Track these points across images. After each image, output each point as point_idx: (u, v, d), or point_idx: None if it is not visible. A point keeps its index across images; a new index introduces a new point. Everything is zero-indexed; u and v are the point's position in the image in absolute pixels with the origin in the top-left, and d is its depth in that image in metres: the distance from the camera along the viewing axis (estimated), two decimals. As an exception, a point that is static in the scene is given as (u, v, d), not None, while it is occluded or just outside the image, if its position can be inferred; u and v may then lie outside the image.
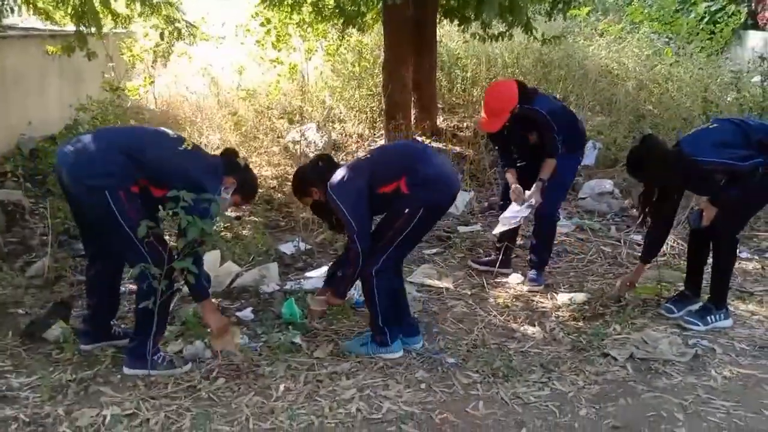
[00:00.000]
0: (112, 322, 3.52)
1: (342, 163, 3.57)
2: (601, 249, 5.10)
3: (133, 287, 4.11)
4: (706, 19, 11.46)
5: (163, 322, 3.26)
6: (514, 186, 4.34)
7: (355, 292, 3.97)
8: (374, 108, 7.87)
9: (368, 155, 3.63)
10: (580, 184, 6.34)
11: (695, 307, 3.93)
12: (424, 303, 4.16)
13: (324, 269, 4.53)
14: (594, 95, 8.10)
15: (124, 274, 3.63)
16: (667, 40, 9.90)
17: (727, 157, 3.52)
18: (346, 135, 7.60)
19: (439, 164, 3.46)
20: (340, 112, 8.04)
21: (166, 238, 3.45)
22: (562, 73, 8.30)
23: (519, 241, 4.90)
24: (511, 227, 4.37)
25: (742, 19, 11.46)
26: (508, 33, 6.97)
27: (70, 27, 6.58)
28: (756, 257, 4.96)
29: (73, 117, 6.32)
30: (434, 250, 5.06)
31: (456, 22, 7.40)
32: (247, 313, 3.93)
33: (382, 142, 7.29)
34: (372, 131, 7.69)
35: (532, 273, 4.44)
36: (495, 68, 8.61)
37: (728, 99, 7.89)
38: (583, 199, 6.16)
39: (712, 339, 3.67)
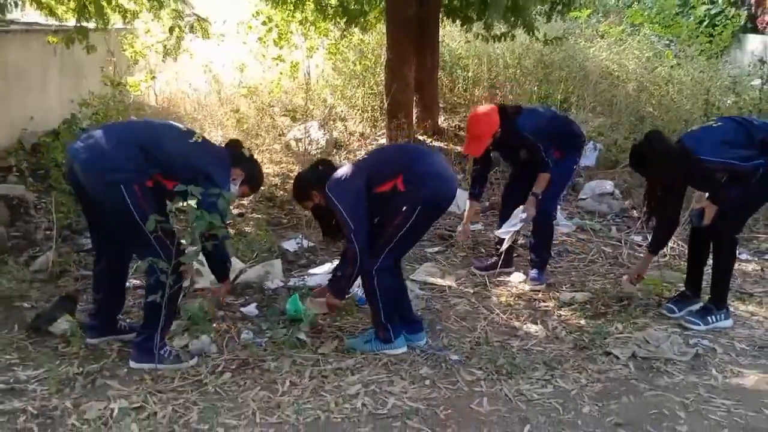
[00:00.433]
0: (117, 317, 3.54)
1: (342, 163, 3.60)
2: (602, 249, 5.13)
3: (138, 282, 4.15)
4: (705, 22, 11.49)
5: (171, 317, 3.28)
6: (464, 226, 4.51)
7: (358, 290, 4.00)
8: (376, 107, 7.89)
9: (366, 156, 3.66)
10: (581, 185, 6.38)
11: (696, 307, 3.96)
12: (427, 301, 4.19)
13: (327, 266, 4.57)
14: (595, 96, 8.13)
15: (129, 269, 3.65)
16: (667, 42, 9.94)
17: (730, 157, 3.55)
18: (347, 133, 7.62)
19: (435, 162, 3.49)
20: (342, 111, 8.06)
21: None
22: (563, 74, 8.33)
23: (521, 240, 4.93)
24: (510, 236, 4.41)
25: (742, 23, 11.51)
26: (510, 34, 6.99)
27: (73, 22, 6.58)
28: (755, 259, 5.00)
29: (74, 112, 6.31)
30: (436, 249, 5.09)
31: (458, 22, 7.42)
32: (251, 309, 3.95)
33: (383, 141, 7.31)
34: (373, 130, 7.71)
35: (533, 272, 4.47)
36: (496, 68, 8.64)
37: (728, 102, 7.93)
38: (584, 199, 6.20)
39: (712, 339, 3.70)
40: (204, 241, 3.08)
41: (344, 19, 7.46)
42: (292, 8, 7.78)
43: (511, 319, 3.96)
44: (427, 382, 3.22)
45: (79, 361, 3.28)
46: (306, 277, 4.46)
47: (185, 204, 2.97)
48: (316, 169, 3.59)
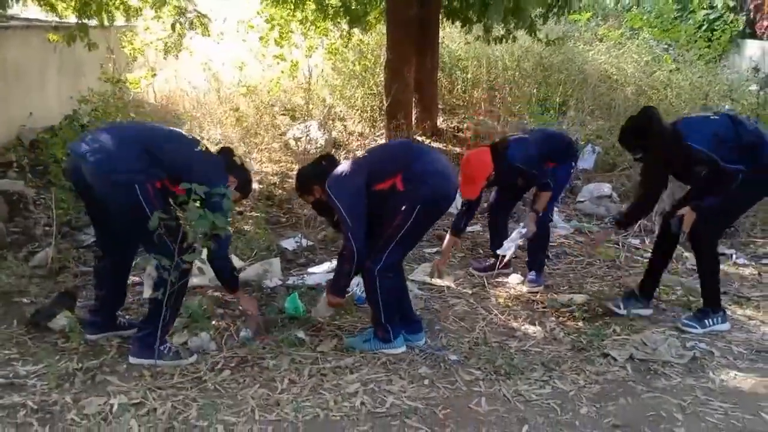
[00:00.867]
0: (117, 313, 3.54)
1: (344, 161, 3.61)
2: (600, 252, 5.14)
3: (138, 279, 4.15)
4: (704, 27, 11.54)
5: (175, 314, 3.28)
6: (440, 266, 4.40)
7: (357, 289, 4.00)
8: (375, 107, 7.91)
9: (366, 154, 3.66)
10: (579, 188, 6.40)
11: (644, 312, 4.00)
12: (426, 301, 4.20)
13: (326, 265, 4.58)
14: (593, 99, 8.17)
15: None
16: (666, 46, 9.98)
17: (714, 151, 3.60)
18: (346, 133, 7.63)
19: (435, 161, 3.47)
20: (341, 111, 8.07)
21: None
22: (562, 77, 8.36)
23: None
24: (512, 252, 4.42)
25: (740, 28, 11.56)
26: (510, 35, 7.02)
27: (73, 19, 6.58)
28: (753, 263, 5.02)
29: (74, 109, 6.31)
30: (435, 249, 5.10)
31: (458, 23, 7.45)
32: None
33: (382, 141, 7.33)
34: (372, 130, 7.73)
35: (531, 274, 4.49)
36: (495, 70, 8.66)
37: (726, 107, 7.96)
38: (582, 202, 6.22)
39: (709, 342, 3.72)
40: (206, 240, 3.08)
41: (346, 20, 7.47)
42: (293, 7, 7.80)
43: (510, 320, 3.97)
44: (426, 381, 3.22)
45: (79, 356, 3.28)
46: (305, 275, 4.47)
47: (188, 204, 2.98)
48: (319, 164, 3.58)
